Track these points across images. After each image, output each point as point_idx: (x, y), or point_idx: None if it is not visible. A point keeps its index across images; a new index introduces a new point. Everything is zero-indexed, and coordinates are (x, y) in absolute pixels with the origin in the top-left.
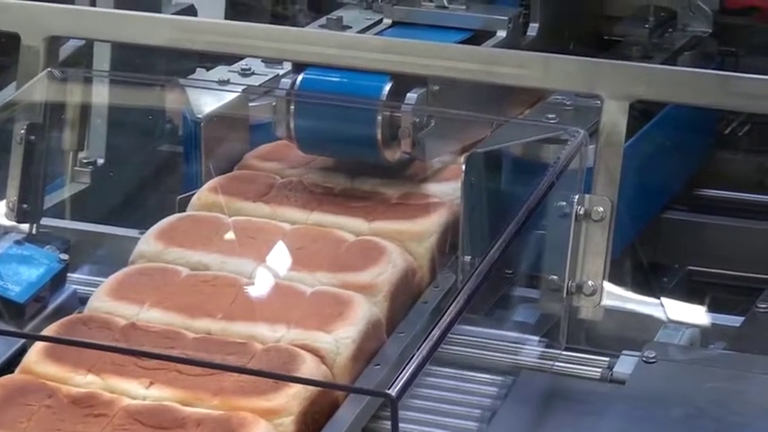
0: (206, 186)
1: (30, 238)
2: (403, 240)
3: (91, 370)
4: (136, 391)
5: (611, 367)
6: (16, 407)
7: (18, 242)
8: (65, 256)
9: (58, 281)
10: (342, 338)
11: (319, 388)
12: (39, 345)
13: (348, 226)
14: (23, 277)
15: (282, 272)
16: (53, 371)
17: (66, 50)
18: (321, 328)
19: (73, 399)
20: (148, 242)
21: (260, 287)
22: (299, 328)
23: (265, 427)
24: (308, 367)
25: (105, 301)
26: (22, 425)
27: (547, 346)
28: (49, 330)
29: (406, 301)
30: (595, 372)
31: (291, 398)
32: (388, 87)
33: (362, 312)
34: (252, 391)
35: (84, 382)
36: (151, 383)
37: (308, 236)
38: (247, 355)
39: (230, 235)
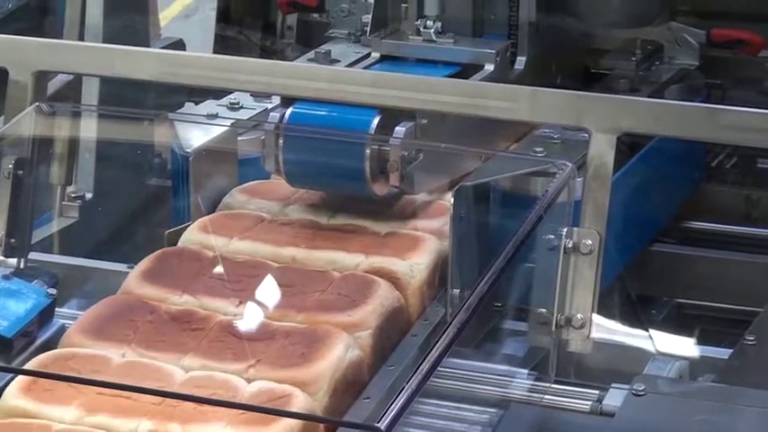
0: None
1: (17, 273)
2: None
3: (186, 291)
4: (226, 308)
5: (600, 400)
6: (123, 322)
7: (6, 277)
8: (53, 291)
9: (45, 315)
10: (416, 264)
11: (395, 305)
12: (137, 270)
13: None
14: (11, 312)
15: (356, 217)
16: (152, 292)
17: (54, 85)
18: (397, 255)
19: (172, 315)
20: (233, 195)
21: (337, 229)
22: (376, 256)
23: (346, 339)
24: (383, 291)
25: (197, 234)
26: (129, 337)
27: (536, 380)
28: (144, 261)
29: None
30: (585, 405)
31: (369, 313)
32: (376, 121)
33: (434, 246)
34: (333, 308)
35: (180, 301)
36: (240, 303)
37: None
38: (326, 282)
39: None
